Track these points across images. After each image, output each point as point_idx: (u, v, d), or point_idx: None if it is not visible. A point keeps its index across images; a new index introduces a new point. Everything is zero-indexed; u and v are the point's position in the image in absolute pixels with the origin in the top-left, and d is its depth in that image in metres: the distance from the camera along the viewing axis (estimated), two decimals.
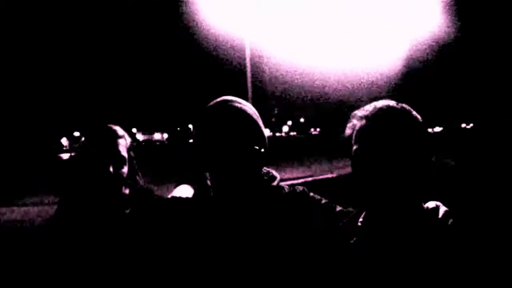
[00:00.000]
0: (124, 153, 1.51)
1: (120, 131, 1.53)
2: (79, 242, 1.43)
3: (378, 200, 1.09)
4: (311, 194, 1.45)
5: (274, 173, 1.45)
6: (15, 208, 9.10)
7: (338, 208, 1.40)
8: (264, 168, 1.43)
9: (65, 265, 1.41)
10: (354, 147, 1.15)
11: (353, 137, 1.17)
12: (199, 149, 1.33)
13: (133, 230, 1.44)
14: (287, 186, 1.45)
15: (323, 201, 1.43)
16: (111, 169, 1.45)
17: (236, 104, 1.33)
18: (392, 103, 1.16)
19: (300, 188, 1.46)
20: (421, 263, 1.04)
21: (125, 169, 1.51)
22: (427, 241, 1.06)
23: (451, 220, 1.09)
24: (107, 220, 1.47)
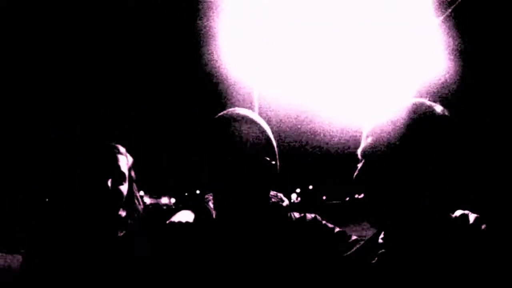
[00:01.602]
0: (124, 169, 1.41)
1: (121, 148, 1.44)
2: (67, 259, 1.29)
3: (391, 205, 0.96)
4: (324, 222, 1.33)
5: (283, 196, 1.33)
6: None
7: (354, 237, 1.27)
8: (272, 191, 1.33)
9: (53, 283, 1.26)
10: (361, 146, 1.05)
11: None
12: (204, 163, 1.24)
13: (124, 254, 1.30)
14: (297, 213, 1.33)
15: (337, 229, 1.30)
16: (109, 183, 1.35)
17: (244, 113, 1.26)
18: (410, 99, 1.06)
19: (312, 215, 1.33)
20: (455, 272, 0.89)
21: (124, 187, 1.40)
22: (459, 248, 0.91)
23: (484, 226, 0.94)
24: (98, 239, 1.34)
